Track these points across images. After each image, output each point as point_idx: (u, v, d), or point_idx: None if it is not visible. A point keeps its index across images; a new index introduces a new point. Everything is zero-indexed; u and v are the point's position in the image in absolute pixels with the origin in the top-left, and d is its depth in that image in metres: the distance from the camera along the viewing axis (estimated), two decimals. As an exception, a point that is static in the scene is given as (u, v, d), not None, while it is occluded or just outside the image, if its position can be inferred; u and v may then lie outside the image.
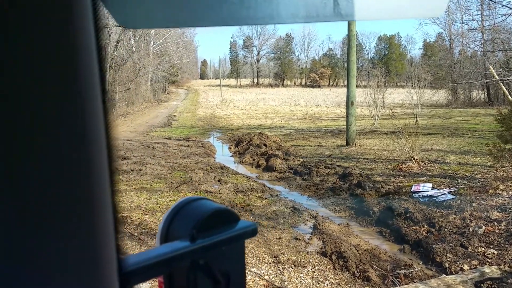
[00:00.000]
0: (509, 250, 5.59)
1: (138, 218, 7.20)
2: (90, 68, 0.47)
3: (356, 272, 5.33)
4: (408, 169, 10.46)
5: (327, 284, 5.07)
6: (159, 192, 8.95)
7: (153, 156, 13.19)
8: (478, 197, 7.54)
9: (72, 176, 0.47)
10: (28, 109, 0.43)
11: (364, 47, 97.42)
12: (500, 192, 7.67)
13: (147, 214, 7.45)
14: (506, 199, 7.33)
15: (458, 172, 9.86)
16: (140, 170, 11.05)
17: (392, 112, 20.74)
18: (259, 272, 5.32)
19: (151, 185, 9.58)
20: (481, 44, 30.83)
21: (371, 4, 0.74)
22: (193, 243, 0.68)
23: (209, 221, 0.72)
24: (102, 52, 0.50)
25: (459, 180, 9.02)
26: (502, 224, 6.30)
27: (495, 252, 5.60)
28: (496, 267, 5.12)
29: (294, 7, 0.69)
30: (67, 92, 0.45)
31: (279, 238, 6.49)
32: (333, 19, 0.72)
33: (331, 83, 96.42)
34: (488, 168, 9.78)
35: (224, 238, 0.73)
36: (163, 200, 8.40)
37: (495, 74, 15.71)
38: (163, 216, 0.75)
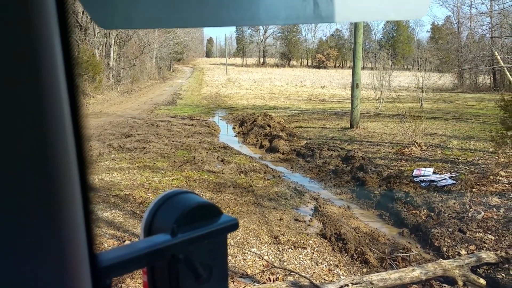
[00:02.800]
0: (507, 236, 5.65)
1: (141, 196, 7.29)
2: (51, 64, 0.46)
3: (354, 254, 5.40)
4: (411, 153, 10.48)
5: (325, 266, 5.16)
6: (162, 171, 9.03)
7: (157, 134, 13.24)
8: (478, 183, 7.57)
9: (31, 167, 0.46)
10: None
11: (372, 28, 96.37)
12: (500, 178, 7.70)
13: (149, 193, 7.53)
14: (506, 185, 7.36)
15: (460, 158, 9.88)
16: (144, 148, 11.12)
17: (397, 95, 20.65)
18: (259, 252, 5.40)
19: (154, 163, 9.66)
20: (489, 28, 30.45)
21: (352, 6, 0.74)
22: (174, 237, 0.69)
23: (191, 215, 0.73)
24: (71, 47, 0.49)
25: (461, 166, 9.04)
26: (501, 210, 6.34)
27: (493, 238, 5.66)
28: (493, 252, 5.19)
29: (274, 9, 0.68)
30: (25, 90, 0.45)
31: (280, 219, 6.57)
32: (314, 21, 0.71)
33: (337, 64, 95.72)
34: (490, 154, 9.79)
35: (206, 233, 0.73)
36: (166, 178, 8.48)
37: (500, 60, 15.57)
38: (147, 208, 0.76)
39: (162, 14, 0.63)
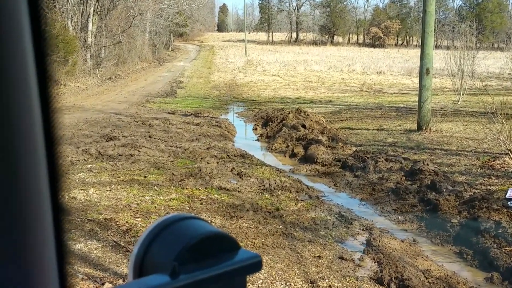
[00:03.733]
0: None
1: (127, 222, 7.33)
2: (19, 55, 0.47)
3: (423, 308, 5.33)
4: (503, 167, 10.34)
5: (382, 323, 5.09)
6: (155, 187, 9.08)
7: (150, 137, 13.36)
8: None
9: None
10: None
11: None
12: None
13: (138, 217, 7.57)
14: None
15: None
16: (131, 155, 11.22)
17: (485, 86, 20.42)
18: (288, 302, 5.37)
19: (145, 176, 9.73)
20: None
21: None
22: (175, 280, 0.69)
23: (198, 250, 0.73)
24: (43, 34, 0.49)
25: None
26: None
27: None
28: None
29: None
30: None
31: (318, 256, 6.53)
32: None
33: (399, 42, 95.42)
34: None
35: (217, 274, 0.73)
36: (161, 198, 8.52)
37: None
38: (138, 239, 0.76)
39: None
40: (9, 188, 0.46)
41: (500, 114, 11.57)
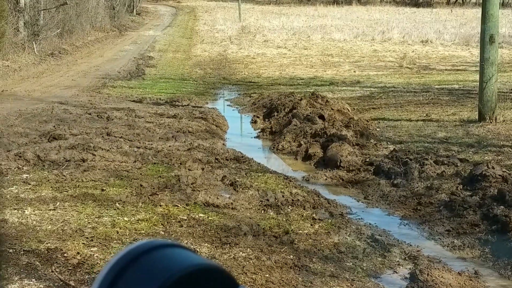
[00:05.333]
0: None
1: (78, 253, 7.33)
2: None
3: None
4: None
5: None
6: (117, 204, 9.07)
7: (108, 134, 13.34)
8: None
9: None
10: None
11: None
12: None
13: (93, 246, 7.57)
14: None
15: None
16: (83, 161, 11.20)
17: None
18: None
19: (102, 190, 9.72)
20: None
21: None
22: None
23: None
24: None
25: None
26: None
27: None
28: None
29: None
30: None
31: (344, 296, 6.54)
32: None
33: (452, 0, 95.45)
34: None
35: None
36: (125, 219, 8.52)
37: None
38: (95, 278, 0.75)
39: None
40: None
41: None
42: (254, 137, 14.81)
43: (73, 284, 6.58)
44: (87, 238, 7.83)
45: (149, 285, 0.71)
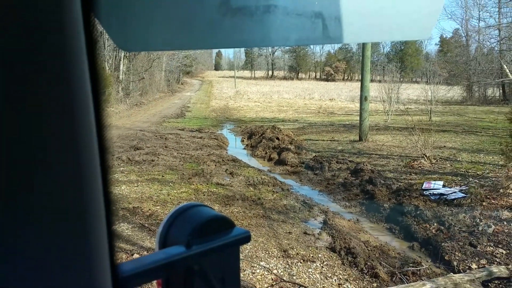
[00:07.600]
0: (519, 250, 5.58)
1: (149, 209, 7.30)
2: (80, 71, 0.49)
3: (364, 269, 5.36)
4: (420, 166, 10.42)
5: (335, 280, 5.12)
6: (170, 184, 9.05)
7: (166, 147, 13.29)
8: (488, 197, 7.51)
9: (60, 180, 0.47)
10: (19, 112, 0.43)
11: (380, 41, 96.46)
12: (510, 191, 7.63)
13: (158, 205, 7.55)
14: (518, 199, 7.29)
15: (470, 171, 9.81)
16: (152, 161, 11.16)
17: (406, 108, 20.59)
18: (268, 266, 5.38)
19: (162, 176, 9.68)
20: (498, 41, 30.41)
21: (359, 27, 0.76)
22: (189, 249, 0.71)
23: (205, 228, 0.75)
24: (96, 61, 0.51)
25: (471, 179, 8.98)
26: (511, 224, 6.28)
27: (504, 252, 5.60)
28: (504, 266, 5.13)
29: (285, 31, 0.71)
30: (56, 95, 0.46)
31: (289, 232, 6.55)
32: (323, 42, 0.74)
33: (346, 77, 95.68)
34: (500, 167, 9.71)
35: (219, 245, 0.75)
36: (175, 191, 8.49)
37: (509, 73, 15.52)
38: (162, 221, 0.77)
39: (178, 37, 0.65)
40: (77, 186, 0.48)
41: (417, 129, 11.71)
42: (242, 149, 14.78)
43: (147, 225, 6.55)
44: (154, 201, 7.80)
45: (189, 226, 0.74)
